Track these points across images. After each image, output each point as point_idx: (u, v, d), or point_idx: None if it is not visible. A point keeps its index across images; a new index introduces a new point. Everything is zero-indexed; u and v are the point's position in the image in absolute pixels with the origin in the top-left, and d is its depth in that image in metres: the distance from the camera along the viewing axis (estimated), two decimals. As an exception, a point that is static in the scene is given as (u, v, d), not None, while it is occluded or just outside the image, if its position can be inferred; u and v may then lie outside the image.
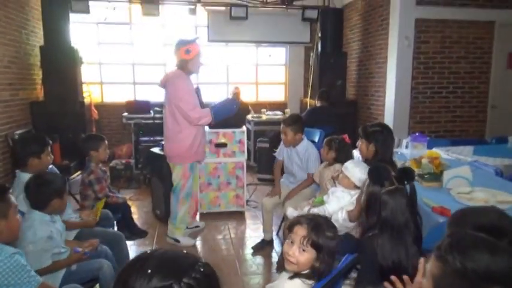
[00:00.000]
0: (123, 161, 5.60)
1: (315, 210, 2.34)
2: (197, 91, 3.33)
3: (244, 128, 4.29)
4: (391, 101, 5.52)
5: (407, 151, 3.28)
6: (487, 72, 5.60)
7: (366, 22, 6.31)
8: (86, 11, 5.75)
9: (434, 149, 3.48)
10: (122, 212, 3.14)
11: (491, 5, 5.41)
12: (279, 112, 6.50)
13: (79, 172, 4.69)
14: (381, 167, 1.68)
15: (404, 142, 3.44)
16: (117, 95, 7.08)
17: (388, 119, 5.57)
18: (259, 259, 3.31)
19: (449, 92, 5.57)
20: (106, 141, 3.20)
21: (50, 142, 2.56)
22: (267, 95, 7.64)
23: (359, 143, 2.59)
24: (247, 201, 4.48)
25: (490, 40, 5.53)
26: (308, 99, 6.65)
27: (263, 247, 3.44)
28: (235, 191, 4.27)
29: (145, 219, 4.19)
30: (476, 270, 0.91)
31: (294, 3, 6.01)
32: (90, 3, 5.71)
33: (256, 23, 6.44)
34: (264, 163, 5.57)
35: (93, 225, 2.48)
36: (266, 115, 6.35)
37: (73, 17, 5.70)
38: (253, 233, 3.87)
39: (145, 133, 5.63)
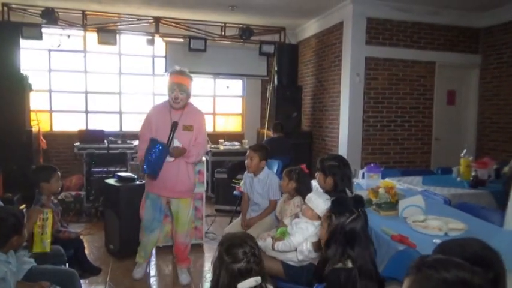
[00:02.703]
0: (73, 193, 5.32)
1: (280, 244, 2.35)
2: (173, 126, 3.04)
3: (203, 158, 4.26)
4: (344, 133, 5.77)
5: (363, 181, 3.42)
6: (430, 107, 6.05)
7: (319, 58, 6.64)
8: (39, 37, 5.57)
9: (387, 179, 3.67)
10: (74, 248, 2.95)
11: (431, 47, 5.93)
12: (236, 143, 6.55)
13: (23, 205, 4.38)
14: (343, 198, 1.73)
15: (360, 173, 3.58)
16: (68, 123, 6.80)
17: (342, 150, 5.79)
18: (220, 293, 3.22)
19: (397, 126, 5.93)
20: (58, 172, 3.04)
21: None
22: (225, 125, 7.69)
23: (317, 174, 2.67)
24: (206, 233, 4.39)
25: (432, 78, 6.01)
26: (265, 130, 6.77)
27: None
28: (194, 222, 4.18)
29: (97, 255, 3.95)
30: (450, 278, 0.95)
31: (252, 38, 6.20)
32: (43, 29, 5.55)
33: (214, 56, 6.56)
34: (222, 194, 5.53)
35: None
36: (224, 146, 6.36)
37: (23, 43, 5.50)
38: (213, 266, 3.78)
39: (98, 164, 5.41)
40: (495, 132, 6.00)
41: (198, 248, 4.15)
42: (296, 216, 2.60)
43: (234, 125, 7.74)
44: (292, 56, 6.60)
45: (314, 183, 2.95)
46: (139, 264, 3.42)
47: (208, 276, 3.56)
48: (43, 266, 2.36)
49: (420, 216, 2.47)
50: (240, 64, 6.89)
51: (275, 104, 6.50)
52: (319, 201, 2.36)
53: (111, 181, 4.01)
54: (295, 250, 2.31)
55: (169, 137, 3.03)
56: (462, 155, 4.04)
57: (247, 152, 3.32)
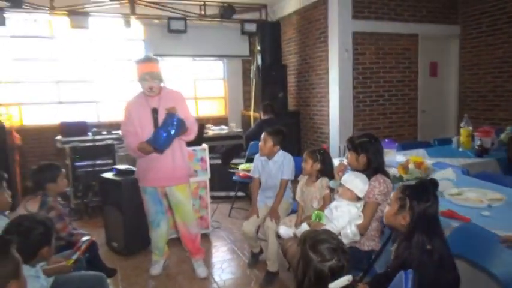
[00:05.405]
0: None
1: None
2: (153, 112, 2.89)
3: (205, 145, 4.09)
4: (335, 110, 5.73)
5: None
6: (415, 80, 6.13)
7: (302, 35, 6.50)
8: (1, 23, 5.07)
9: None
10: (89, 250, 2.72)
11: (413, 19, 5.96)
12: (224, 127, 6.36)
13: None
14: (424, 182, 1.65)
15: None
16: (39, 116, 6.31)
17: (333, 128, 5.77)
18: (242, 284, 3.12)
19: (385, 100, 5.97)
20: (63, 170, 2.77)
21: (6, 176, 2.12)
22: (207, 110, 7.45)
23: (347, 155, 2.58)
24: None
25: (415, 51, 6.06)
26: (252, 112, 6.61)
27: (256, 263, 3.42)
28: (199, 212, 4.02)
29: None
30: None
31: (233, 17, 5.96)
32: (6, 14, 5.04)
33: (194, 37, 6.27)
34: (217, 180, 5.36)
35: (69, 270, 2.10)
36: (212, 130, 6.16)
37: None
38: (226, 255, 3.67)
39: (83, 157, 5.07)
40: (475, 101, 6.18)
41: (205, 238, 3.99)
42: (323, 199, 2.55)
43: (216, 108, 7.51)
44: (275, 34, 6.42)
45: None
46: (155, 261, 3.25)
47: (224, 266, 3.45)
48: (67, 274, 2.15)
49: (454, 189, 2.47)
50: (221, 44, 6.64)
51: (260, 85, 6.34)
52: (357, 181, 2.29)
53: (108, 175, 3.76)
54: (339, 234, 2.23)
55: (155, 124, 2.86)
56: (462, 125, 4.11)
57: (263, 135, 3.17)
